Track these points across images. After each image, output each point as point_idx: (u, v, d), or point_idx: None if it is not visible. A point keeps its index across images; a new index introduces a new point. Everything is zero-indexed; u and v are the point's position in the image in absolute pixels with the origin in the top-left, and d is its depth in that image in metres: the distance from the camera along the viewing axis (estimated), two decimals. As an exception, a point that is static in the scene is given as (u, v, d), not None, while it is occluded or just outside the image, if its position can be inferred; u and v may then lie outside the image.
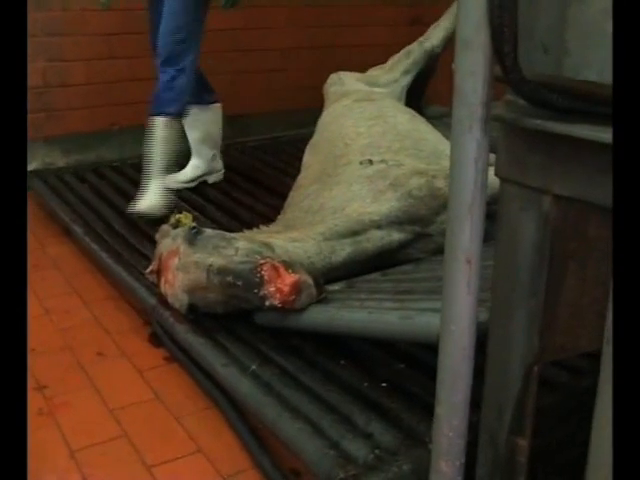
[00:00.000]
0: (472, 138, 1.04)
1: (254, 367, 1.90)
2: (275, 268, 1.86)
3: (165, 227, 2.27)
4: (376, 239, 2.26)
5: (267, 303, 1.87)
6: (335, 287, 2.17)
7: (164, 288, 2.15)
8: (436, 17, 4.44)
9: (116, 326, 2.43)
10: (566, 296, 1.17)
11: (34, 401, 2.02)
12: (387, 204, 2.26)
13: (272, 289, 1.85)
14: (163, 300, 2.22)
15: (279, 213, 2.89)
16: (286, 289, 1.83)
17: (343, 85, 3.13)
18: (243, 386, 1.85)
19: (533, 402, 1.24)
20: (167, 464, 1.78)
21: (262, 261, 1.89)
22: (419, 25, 4.65)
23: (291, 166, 3.64)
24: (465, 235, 1.08)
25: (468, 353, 1.14)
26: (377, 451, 1.57)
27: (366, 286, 2.13)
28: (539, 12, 1.08)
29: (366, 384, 1.82)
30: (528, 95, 1.07)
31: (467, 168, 1.06)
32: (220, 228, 2.75)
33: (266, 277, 1.85)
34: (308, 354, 1.96)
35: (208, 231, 2.09)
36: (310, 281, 1.87)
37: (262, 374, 1.87)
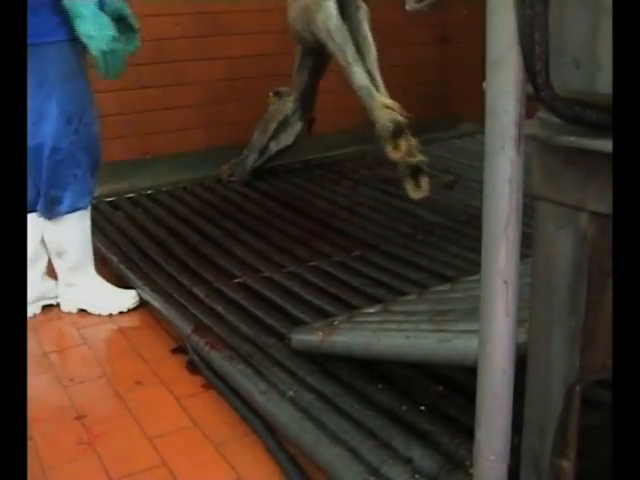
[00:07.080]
0: (505, 158, 1.04)
1: (291, 393, 1.89)
2: None
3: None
4: None
5: None
6: (371, 310, 2.16)
7: None
8: (463, 36, 4.44)
9: (153, 354, 2.43)
10: (606, 314, 1.15)
11: (74, 431, 2.03)
12: None
13: None
14: (198, 328, 2.25)
15: (313, 235, 2.95)
16: None
17: None
18: (281, 413, 1.84)
19: (576, 423, 1.21)
20: (207, 492, 1.78)
21: None
22: (448, 44, 4.68)
23: (323, 188, 3.66)
24: (501, 256, 1.07)
25: (508, 375, 1.12)
26: (417, 476, 1.55)
27: (402, 308, 2.11)
28: (569, 27, 1.07)
29: (405, 408, 1.79)
30: (561, 112, 1.06)
31: (501, 188, 1.05)
32: (251, 250, 2.92)
33: None
34: (345, 378, 1.95)
35: None
36: None
37: (300, 400, 1.86)
